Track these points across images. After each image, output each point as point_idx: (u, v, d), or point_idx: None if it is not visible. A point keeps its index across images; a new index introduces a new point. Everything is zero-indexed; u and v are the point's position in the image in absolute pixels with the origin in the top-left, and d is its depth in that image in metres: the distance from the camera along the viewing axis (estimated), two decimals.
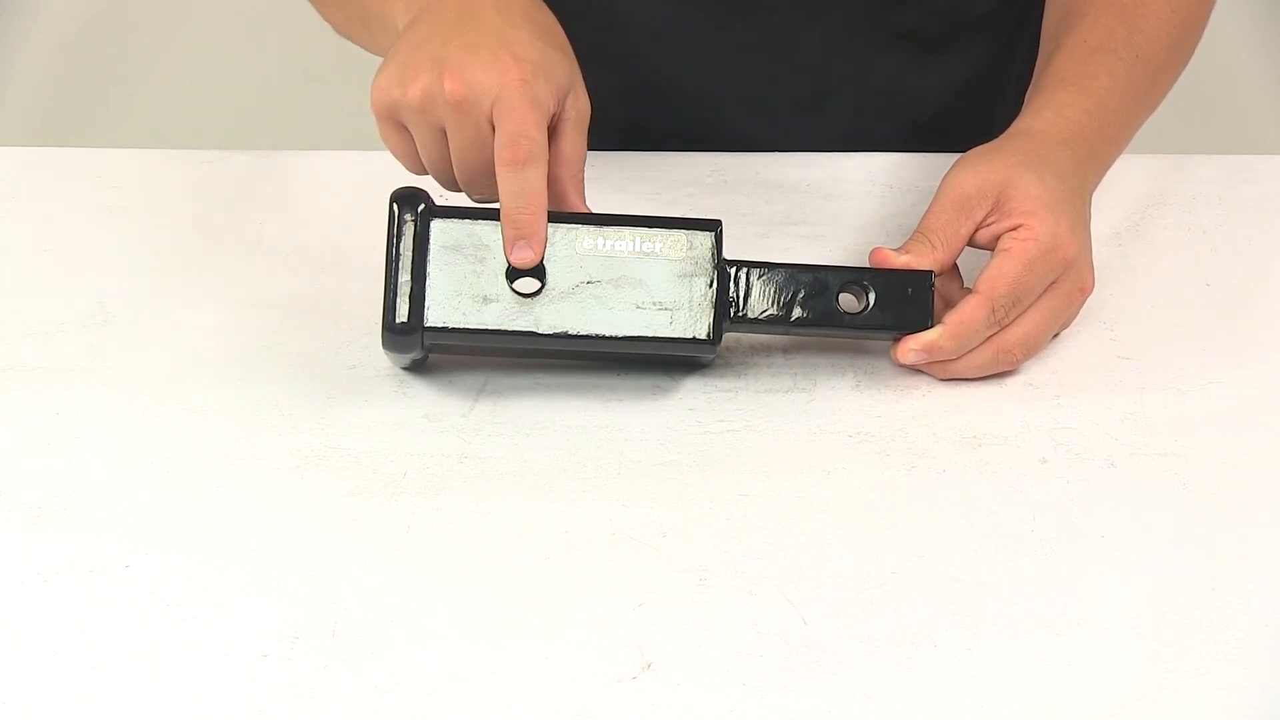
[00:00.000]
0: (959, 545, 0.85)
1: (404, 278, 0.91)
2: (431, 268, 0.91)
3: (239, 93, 2.22)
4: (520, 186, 0.90)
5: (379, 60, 0.95)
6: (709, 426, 0.93)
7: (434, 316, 0.91)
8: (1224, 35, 2.28)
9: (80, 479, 0.88)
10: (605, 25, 1.21)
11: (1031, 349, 0.97)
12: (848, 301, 0.96)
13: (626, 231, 0.93)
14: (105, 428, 0.92)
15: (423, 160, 0.95)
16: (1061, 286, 0.96)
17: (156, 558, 0.83)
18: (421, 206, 0.91)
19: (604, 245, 0.92)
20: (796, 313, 0.95)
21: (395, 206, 0.92)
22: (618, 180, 1.17)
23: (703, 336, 0.93)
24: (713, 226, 0.94)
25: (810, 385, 0.97)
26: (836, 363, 0.98)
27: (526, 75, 0.91)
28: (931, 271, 0.95)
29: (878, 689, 0.76)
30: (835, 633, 0.79)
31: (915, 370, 0.98)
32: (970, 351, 0.96)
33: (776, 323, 0.95)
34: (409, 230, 0.91)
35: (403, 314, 0.91)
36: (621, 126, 1.23)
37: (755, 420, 0.94)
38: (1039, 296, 0.96)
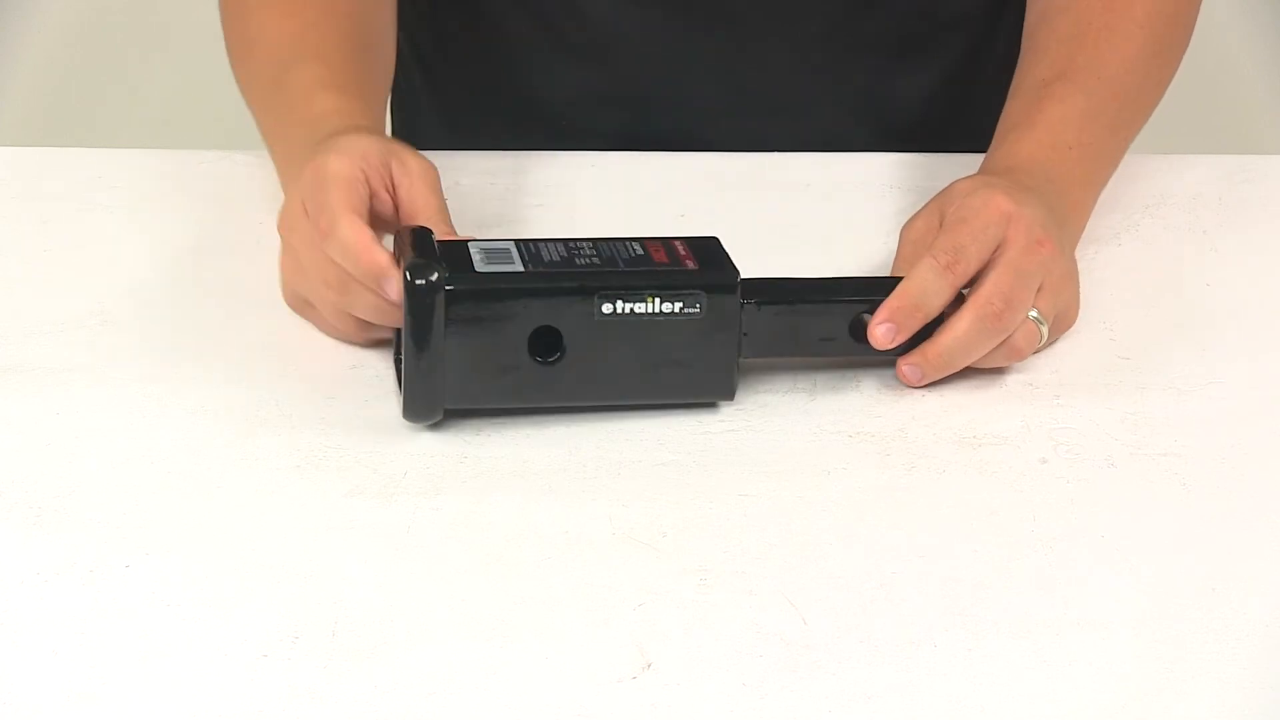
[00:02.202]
0: (959, 545, 0.85)
1: (423, 356, 0.88)
2: (450, 342, 0.88)
3: (239, 93, 2.22)
4: (338, 247, 0.91)
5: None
6: (709, 426, 0.93)
7: (454, 394, 0.90)
8: (1224, 35, 2.28)
9: (80, 479, 0.88)
10: (578, 33, 1.20)
11: (1012, 304, 0.94)
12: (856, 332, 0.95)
13: (646, 292, 0.90)
14: (105, 428, 0.92)
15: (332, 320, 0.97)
16: (1015, 241, 0.95)
17: (156, 558, 0.83)
18: (435, 276, 0.88)
19: (623, 308, 0.90)
20: (808, 345, 0.95)
21: (410, 280, 0.88)
22: (617, 181, 1.17)
23: (723, 394, 0.94)
24: (733, 283, 0.91)
25: (810, 385, 0.97)
26: (836, 362, 0.98)
27: (315, 173, 0.94)
28: None
29: (878, 689, 0.76)
30: (835, 633, 0.79)
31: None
32: (953, 321, 0.94)
33: (788, 354, 0.96)
34: (427, 307, 0.88)
35: (424, 393, 0.89)
36: (598, 133, 1.22)
37: (755, 420, 0.94)
38: (996, 255, 0.95)
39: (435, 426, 0.92)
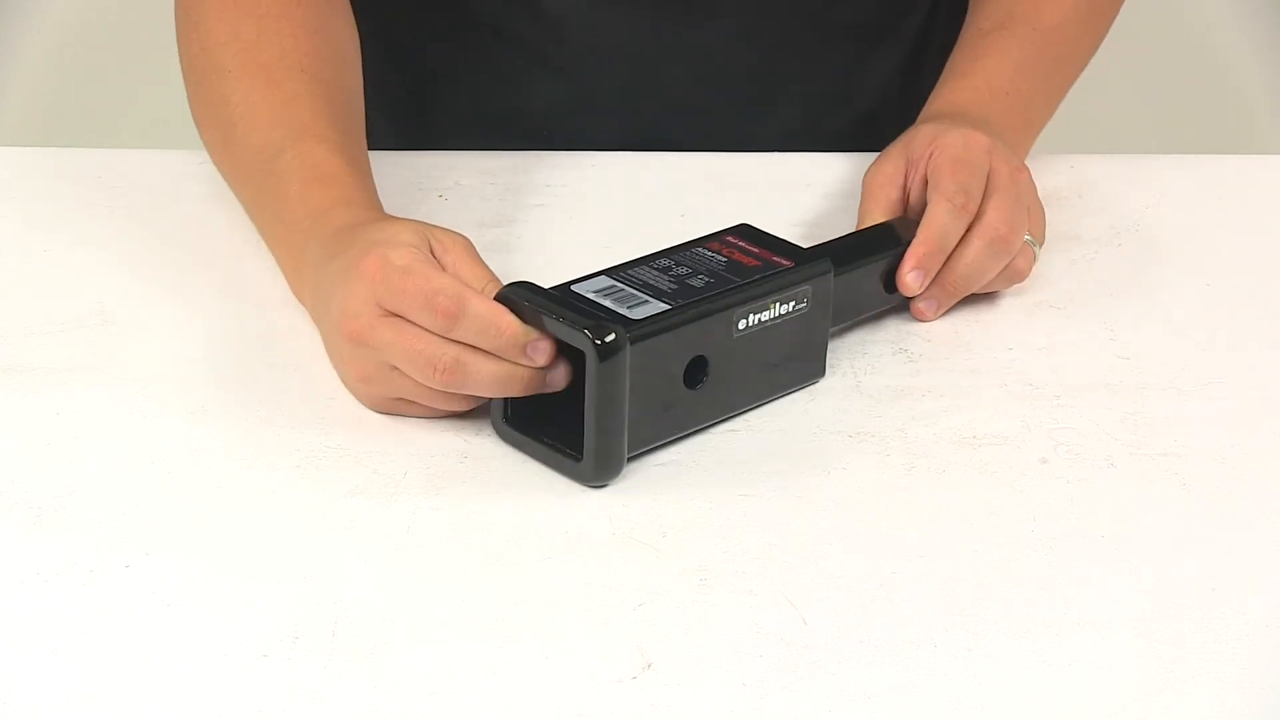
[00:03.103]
0: (959, 545, 0.85)
1: (614, 414, 0.86)
2: (631, 394, 0.87)
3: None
4: (475, 324, 0.87)
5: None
6: (709, 426, 0.93)
7: (634, 442, 0.88)
8: (1224, 35, 2.28)
9: (80, 479, 0.88)
10: (549, 38, 1.20)
11: (1015, 227, 1.01)
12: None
13: (770, 299, 0.92)
14: (105, 428, 0.92)
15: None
16: (1001, 170, 1.02)
17: (156, 558, 0.83)
18: (614, 334, 0.85)
19: (754, 320, 0.91)
20: (853, 307, 1.00)
21: (597, 341, 0.85)
22: (617, 181, 1.17)
23: (818, 374, 0.96)
24: (829, 269, 0.94)
25: (810, 385, 0.97)
26: (837, 363, 0.98)
27: (377, 266, 0.89)
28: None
29: (878, 689, 0.76)
30: (835, 633, 0.79)
31: (915, 370, 0.98)
32: (962, 250, 1.00)
33: (843, 320, 0.99)
34: (617, 364, 0.86)
35: (615, 450, 0.87)
36: (570, 136, 1.22)
37: (755, 420, 0.94)
38: (989, 185, 1.02)
39: (435, 426, 0.92)
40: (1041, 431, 0.93)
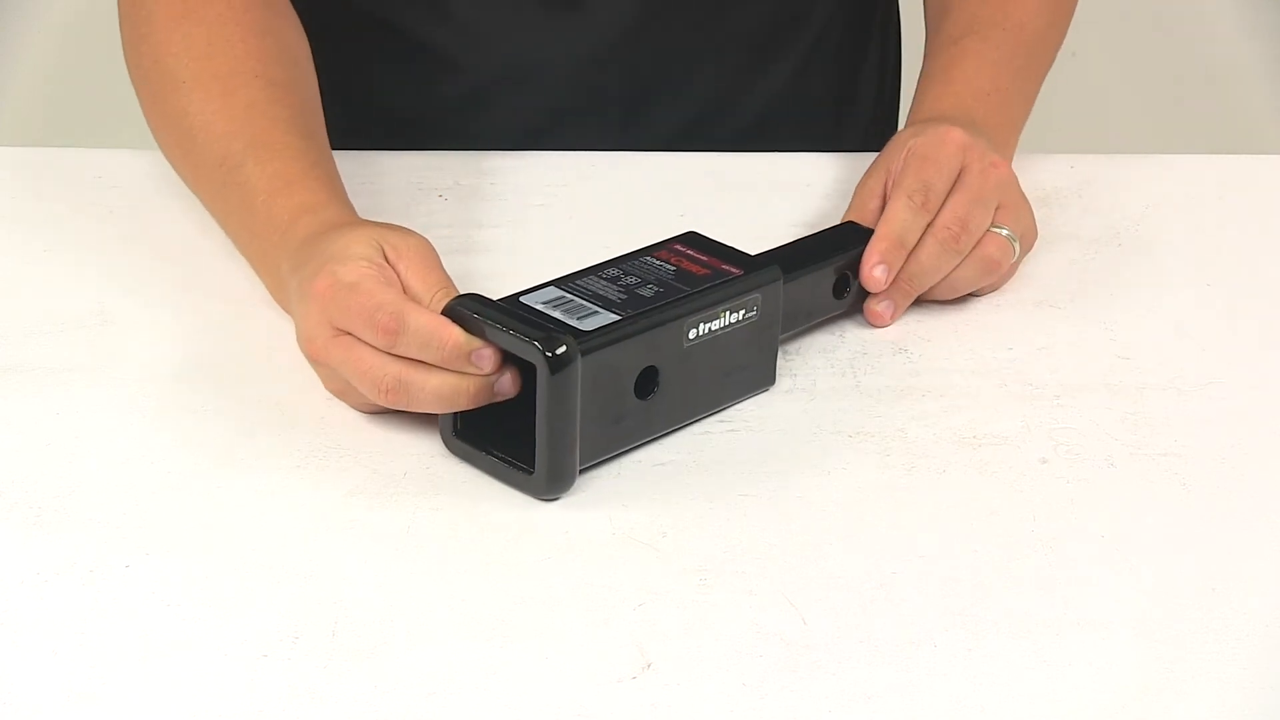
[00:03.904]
0: (959, 545, 0.85)
1: (566, 426, 0.85)
2: (582, 406, 0.86)
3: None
4: (417, 338, 0.87)
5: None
6: (709, 426, 0.93)
7: (585, 454, 0.88)
8: (1224, 35, 2.28)
9: (80, 479, 0.88)
10: (440, 35, 1.19)
11: (969, 226, 1.01)
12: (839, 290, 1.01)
13: (720, 308, 0.91)
14: (105, 428, 0.92)
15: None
16: (971, 168, 1.02)
17: (156, 558, 0.83)
18: (565, 347, 0.85)
19: (705, 329, 0.91)
20: (802, 314, 0.99)
21: (548, 353, 0.84)
22: (616, 181, 1.17)
23: (768, 381, 0.96)
24: (778, 276, 0.94)
25: (810, 385, 0.97)
26: (836, 363, 0.98)
27: (327, 284, 0.89)
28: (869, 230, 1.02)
29: (878, 689, 0.76)
30: (835, 633, 0.79)
31: (915, 370, 0.98)
32: (915, 250, 1.01)
33: (792, 328, 0.99)
34: (569, 376, 0.85)
35: (568, 463, 0.87)
36: (466, 135, 1.21)
37: (755, 420, 0.94)
38: (956, 183, 1.02)
39: (435, 426, 0.92)
40: (1041, 431, 0.93)
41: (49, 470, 0.89)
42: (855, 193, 1.06)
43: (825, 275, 0.99)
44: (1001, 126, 1.11)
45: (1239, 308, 1.05)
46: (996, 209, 1.02)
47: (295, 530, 0.85)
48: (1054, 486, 0.89)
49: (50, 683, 0.76)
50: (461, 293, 0.89)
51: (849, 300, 1.01)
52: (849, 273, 1.00)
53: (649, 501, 0.88)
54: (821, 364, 0.98)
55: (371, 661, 0.77)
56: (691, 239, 0.96)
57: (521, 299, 0.90)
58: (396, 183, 1.15)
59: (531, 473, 0.87)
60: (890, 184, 1.04)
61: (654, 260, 0.94)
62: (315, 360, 0.92)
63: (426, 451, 0.91)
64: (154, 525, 0.85)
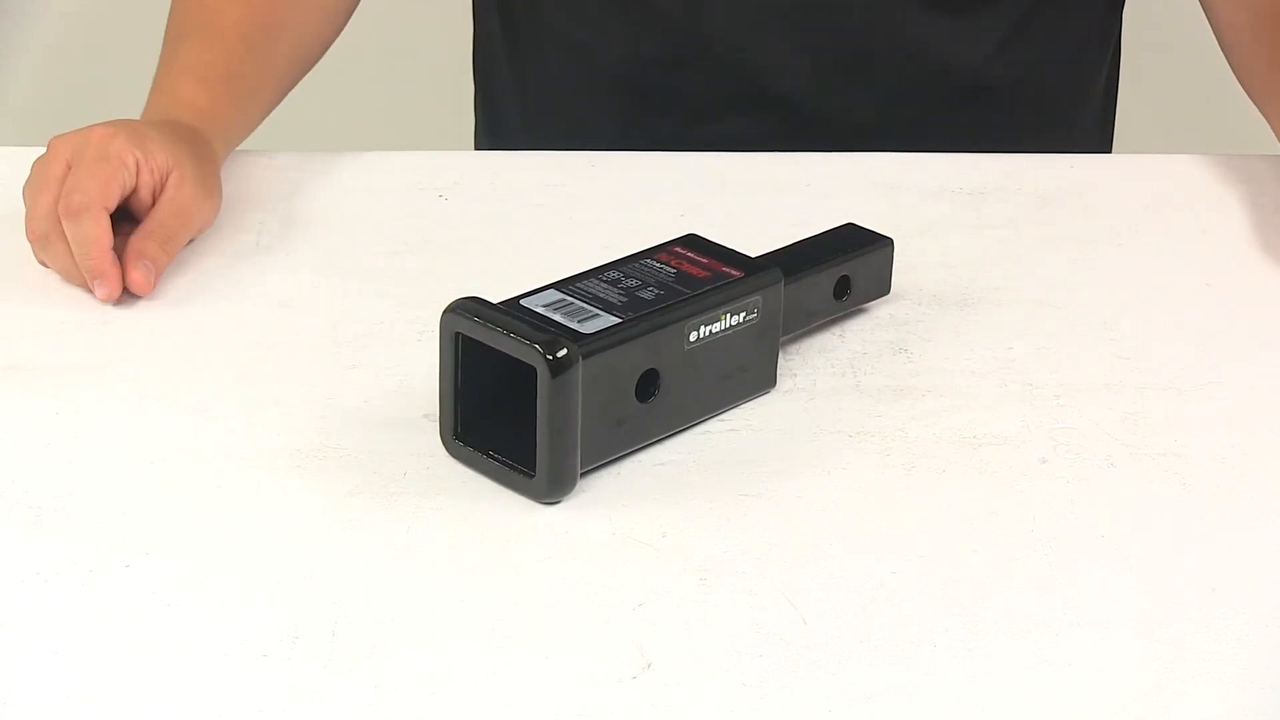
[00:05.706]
0: (959, 545, 0.85)
1: (567, 430, 0.85)
2: (583, 409, 0.86)
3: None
4: (76, 234, 1.00)
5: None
6: (709, 426, 0.93)
7: (586, 457, 0.88)
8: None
9: (80, 479, 0.88)
10: None
11: None
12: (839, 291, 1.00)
13: (721, 310, 0.91)
14: (105, 428, 0.92)
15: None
16: None
17: (156, 558, 0.83)
18: (566, 350, 0.84)
19: (705, 331, 0.91)
20: (804, 318, 0.99)
21: (549, 357, 0.84)
22: (617, 181, 1.17)
23: (769, 384, 0.96)
24: (779, 279, 0.94)
25: (810, 385, 0.97)
26: (836, 363, 0.98)
27: (104, 135, 1.03)
28: (891, 240, 1.02)
29: (878, 689, 0.76)
30: (835, 633, 0.79)
31: (915, 370, 0.98)
32: None
33: (792, 330, 0.98)
34: (570, 380, 0.85)
35: (568, 467, 0.86)
36: (664, 92, 1.23)
37: (755, 420, 0.94)
38: None
39: (435, 426, 0.92)
40: (1041, 431, 0.93)
41: (49, 470, 0.89)
42: None
43: (825, 277, 0.99)
44: None
45: (1239, 308, 1.05)
46: None
47: (295, 530, 0.85)
48: (1054, 486, 0.89)
49: (50, 683, 0.76)
50: (461, 295, 0.90)
51: (849, 301, 1.01)
52: (849, 274, 1.00)
53: (649, 502, 0.88)
54: (821, 364, 0.99)
55: (371, 661, 0.77)
56: (692, 241, 0.96)
57: (521, 302, 0.90)
58: (397, 182, 1.15)
59: (532, 476, 0.87)
60: None
61: (654, 263, 0.94)
62: (50, 146, 1.06)
63: (426, 451, 0.91)
64: (154, 525, 0.85)
